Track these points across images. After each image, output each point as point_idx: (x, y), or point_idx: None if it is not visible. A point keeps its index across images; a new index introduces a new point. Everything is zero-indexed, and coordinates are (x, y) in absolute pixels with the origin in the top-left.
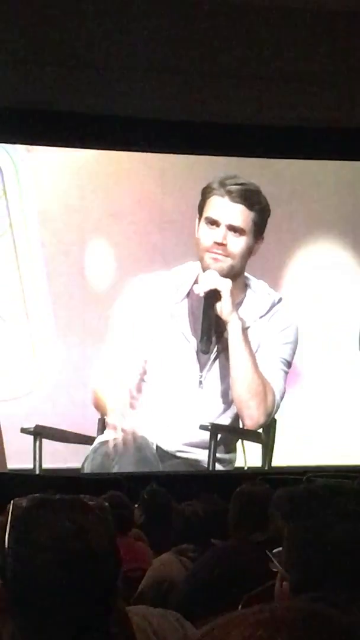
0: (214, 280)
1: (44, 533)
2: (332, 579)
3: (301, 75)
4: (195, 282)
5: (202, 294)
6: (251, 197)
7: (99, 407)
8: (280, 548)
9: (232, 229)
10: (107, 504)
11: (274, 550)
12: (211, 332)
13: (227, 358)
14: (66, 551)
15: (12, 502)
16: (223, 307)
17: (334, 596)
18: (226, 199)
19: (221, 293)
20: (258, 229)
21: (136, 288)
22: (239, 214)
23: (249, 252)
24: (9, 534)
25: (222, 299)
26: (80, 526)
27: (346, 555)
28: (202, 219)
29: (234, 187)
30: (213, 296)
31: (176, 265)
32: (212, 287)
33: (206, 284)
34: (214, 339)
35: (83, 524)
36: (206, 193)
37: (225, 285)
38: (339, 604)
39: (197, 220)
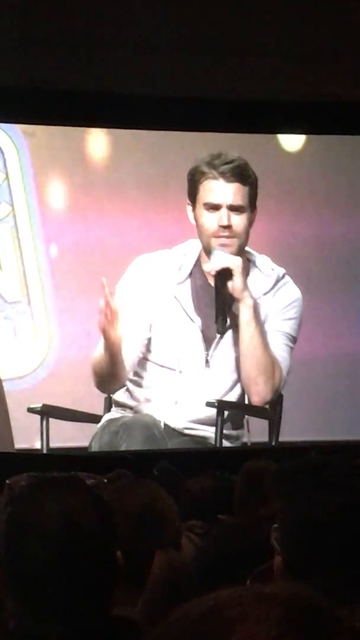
0: (225, 258)
1: (34, 512)
2: (324, 553)
3: (299, 51)
4: (198, 260)
5: (213, 273)
6: (243, 173)
7: (95, 372)
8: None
9: (233, 209)
10: (105, 480)
11: (273, 526)
12: (225, 311)
13: (233, 336)
14: (54, 530)
15: (7, 481)
16: (235, 285)
17: (326, 581)
18: (221, 181)
19: (233, 271)
20: (252, 201)
21: (139, 268)
22: (237, 193)
23: (249, 226)
24: (3, 512)
25: (234, 277)
26: (68, 505)
27: (334, 528)
28: (201, 206)
29: (225, 166)
30: (225, 275)
31: (178, 244)
32: (224, 265)
33: (217, 263)
34: (227, 319)
35: (72, 503)
36: (196, 178)
37: (236, 263)
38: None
39: (189, 207)
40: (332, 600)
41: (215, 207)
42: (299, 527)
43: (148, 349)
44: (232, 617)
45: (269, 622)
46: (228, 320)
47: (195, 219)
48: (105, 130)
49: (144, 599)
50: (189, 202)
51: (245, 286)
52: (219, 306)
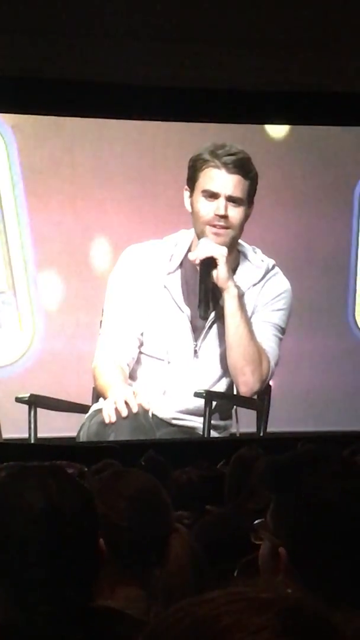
0: (209, 247)
1: (16, 498)
2: (328, 541)
3: (291, 40)
4: (189, 251)
5: (197, 262)
6: (245, 166)
7: (97, 388)
8: (262, 520)
9: (232, 200)
10: (86, 469)
11: (255, 522)
12: (208, 298)
13: (222, 326)
14: (36, 516)
15: None
16: (219, 274)
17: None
18: (223, 171)
19: (217, 260)
20: (250, 196)
21: (129, 258)
22: (237, 185)
23: (245, 221)
24: None
25: (218, 266)
26: (50, 491)
27: (339, 515)
28: (199, 193)
29: (228, 157)
30: (209, 264)
31: (168, 234)
32: (208, 254)
33: (201, 252)
34: (210, 305)
35: (54, 490)
36: (198, 165)
37: (220, 252)
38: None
39: (186, 193)
40: (330, 600)
41: (213, 196)
42: (305, 516)
43: (141, 341)
44: (228, 626)
45: (266, 632)
46: (211, 306)
47: (192, 205)
48: (93, 120)
49: (166, 581)
50: (187, 188)
51: (230, 276)
52: (202, 293)
